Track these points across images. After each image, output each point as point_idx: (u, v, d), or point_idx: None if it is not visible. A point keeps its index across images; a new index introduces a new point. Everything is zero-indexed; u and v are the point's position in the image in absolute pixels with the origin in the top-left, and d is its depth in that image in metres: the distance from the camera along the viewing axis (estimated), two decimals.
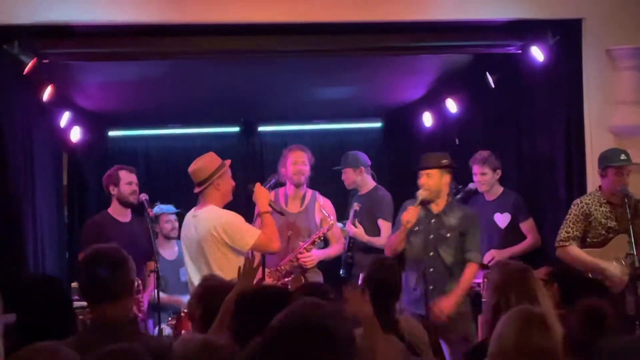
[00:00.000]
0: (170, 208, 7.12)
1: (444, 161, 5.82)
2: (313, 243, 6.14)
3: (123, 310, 3.22)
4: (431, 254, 5.67)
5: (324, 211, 6.28)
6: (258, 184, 5.60)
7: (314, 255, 6.13)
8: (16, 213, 6.24)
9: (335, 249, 6.40)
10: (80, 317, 4.33)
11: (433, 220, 5.75)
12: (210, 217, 5.34)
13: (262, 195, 5.49)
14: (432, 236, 5.71)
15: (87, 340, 3.03)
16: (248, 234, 5.27)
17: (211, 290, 3.93)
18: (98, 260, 3.23)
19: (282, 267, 5.97)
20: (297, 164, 6.20)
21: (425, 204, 5.74)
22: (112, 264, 3.20)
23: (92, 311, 3.24)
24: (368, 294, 3.82)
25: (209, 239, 5.26)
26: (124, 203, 6.09)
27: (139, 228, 6.04)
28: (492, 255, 6.51)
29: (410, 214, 5.67)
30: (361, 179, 6.95)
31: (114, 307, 3.17)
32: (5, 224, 6.12)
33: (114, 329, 3.09)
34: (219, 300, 3.69)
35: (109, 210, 6.18)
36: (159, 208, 7.01)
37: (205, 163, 5.45)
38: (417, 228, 5.75)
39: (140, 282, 5.64)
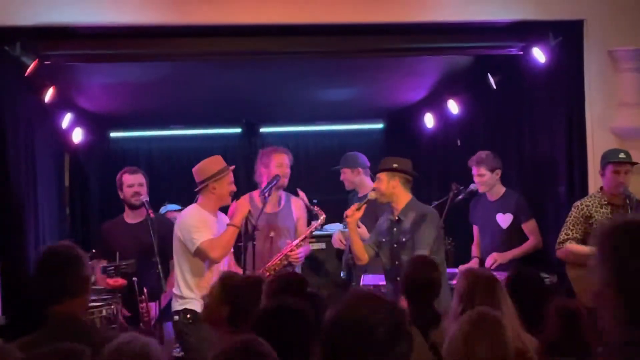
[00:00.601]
0: (176, 207, 7.17)
1: (394, 165, 5.73)
2: (304, 240, 6.15)
3: (79, 307, 3.23)
4: (397, 262, 5.56)
5: (313, 209, 6.29)
6: (245, 200, 5.67)
7: (301, 253, 6.13)
8: (18, 214, 6.24)
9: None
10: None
11: (395, 229, 5.68)
12: (180, 216, 5.76)
13: (241, 210, 5.59)
14: (395, 245, 5.60)
15: (44, 337, 3.03)
16: (196, 236, 5.48)
17: (237, 289, 3.88)
18: (52, 257, 3.25)
19: (271, 266, 5.96)
20: (282, 166, 6.19)
21: (393, 213, 5.72)
22: (66, 262, 3.21)
23: (48, 308, 3.21)
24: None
25: (175, 237, 5.63)
26: (129, 205, 6.13)
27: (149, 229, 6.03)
28: (494, 259, 6.49)
29: (351, 209, 5.68)
30: (359, 179, 6.94)
31: (70, 305, 3.17)
32: (7, 225, 6.12)
33: (71, 326, 3.09)
34: (247, 298, 3.66)
35: (124, 213, 6.24)
36: (165, 207, 7.06)
37: (205, 165, 5.64)
38: (384, 239, 5.72)
39: (145, 291, 5.69)
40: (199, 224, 5.53)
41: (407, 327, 2.36)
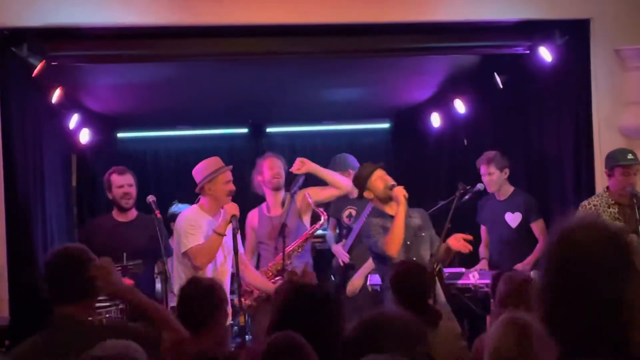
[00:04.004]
0: (187, 206, 7.18)
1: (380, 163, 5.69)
2: (306, 240, 6.17)
3: (86, 309, 3.22)
4: (414, 258, 5.42)
5: (317, 210, 6.31)
6: (233, 206, 5.66)
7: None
8: (26, 215, 6.25)
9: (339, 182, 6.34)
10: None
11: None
12: (179, 216, 5.85)
13: (224, 218, 5.53)
14: (408, 242, 5.45)
15: (49, 339, 3.03)
16: (187, 240, 5.53)
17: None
18: (62, 259, 3.24)
19: (272, 267, 6.00)
20: (274, 167, 6.23)
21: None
22: (78, 264, 3.19)
23: (54, 309, 3.21)
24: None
25: (174, 236, 5.77)
26: (119, 207, 6.14)
27: (143, 228, 6.03)
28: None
29: (399, 188, 5.51)
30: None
31: (77, 307, 3.16)
32: (14, 225, 6.13)
33: (76, 329, 3.09)
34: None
35: (113, 212, 6.25)
36: (176, 207, 7.07)
37: (200, 167, 5.73)
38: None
39: None
40: (189, 228, 5.57)
41: (424, 328, 2.43)
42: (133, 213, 6.19)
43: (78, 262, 3.21)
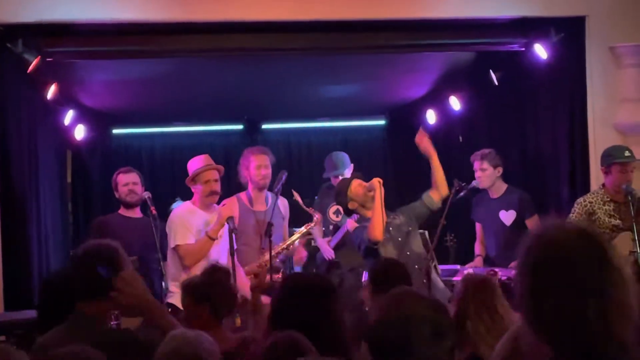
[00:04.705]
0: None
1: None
2: (293, 242, 6.17)
3: (109, 306, 3.18)
4: (408, 253, 5.51)
5: (308, 210, 6.35)
6: (232, 202, 5.85)
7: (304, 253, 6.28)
8: (21, 211, 6.25)
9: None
10: None
11: (390, 228, 5.55)
12: (171, 213, 6.00)
13: (219, 221, 5.64)
14: (400, 239, 5.54)
15: (67, 336, 3.01)
16: (177, 236, 5.68)
17: (203, 287, 4.04)
18: (99, 256, 3.19)
19: (257, 267, 5.95)
20: (261, 167, 6.18)
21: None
22: (111, 261, 3.17)
23: (81, 306, 3.17)
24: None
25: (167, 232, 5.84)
26: (125, 204, 6.17)
27: (149, 225, 6.04)
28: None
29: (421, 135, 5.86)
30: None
31: (98, 303, 3.13)
32: (9, 221, 6.13)
33: (95, 327, 3.05)
34: (217, 290, 3.83)
35: (119, 210, 6.27)
36: (176, 204, 7.06)
37: (190, 162, 5.92)
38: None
39: None
40: (179, 226, 5.71)
41: (450, 321, 2.42)
42: (138, 212, 6.21)
43: (117, 259, 3.19)
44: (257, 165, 6.17)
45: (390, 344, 2.32)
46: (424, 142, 5.74)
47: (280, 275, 5.93)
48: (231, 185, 6.77)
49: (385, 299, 2.46)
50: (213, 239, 5.61)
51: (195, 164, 5.86)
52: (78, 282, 3.20)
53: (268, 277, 5.63)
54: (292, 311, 3.01)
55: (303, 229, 6.28)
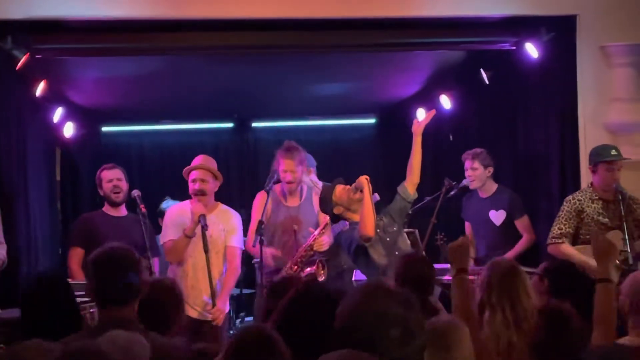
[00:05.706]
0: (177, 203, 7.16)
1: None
2: (325, 227, 6.12)
3: (133, 310, 3.19)
4: (397, 252, 5.46)
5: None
6: (199, 206, 5.83)
7: (325, 240, 6.10)
8: (9, 208, 6.20)
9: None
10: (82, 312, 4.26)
11: (377, 230, 5.51)
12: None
13: (194, 220, 5.76)
14: (388, 239, 5.54)
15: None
16: (165, 233, 5.98)
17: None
18: (119, 263, 3.19)
19: (298, 260, 5.98)
20: (287, 172, 6.13)
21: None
22: (131, 267, 3.17)
23: (103, 312, 3.18)
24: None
25: None
26: (110, 202, 6.13)
27: (134, 223, 6.03)
28: None
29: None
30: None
31: (126, 309, 3.14)
32: None
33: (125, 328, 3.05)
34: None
35: (103, 208, 6.23)
36: (167, 203, 7.05)
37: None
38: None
39: None
40: (165, 225, 6.01)
41: (421, 321, 2.38)
42: (123, 210, 6.18)
43: (131, 265, 3.19)
44: (283, 170, 6.14)
45: (359, 345, 2.27)
46: (419, 129, 5.76)
47: (313, 268, 5.94)
48: (231, 184, 6.76)
49: (358, 292, 2.41)
50: (189, 237, 5.75)
51: (194, 162, 6.00)
52: (110, 289, 3.17)
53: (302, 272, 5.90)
54: (300, 324, 2.89)
55: (326, 220, 6.09)
